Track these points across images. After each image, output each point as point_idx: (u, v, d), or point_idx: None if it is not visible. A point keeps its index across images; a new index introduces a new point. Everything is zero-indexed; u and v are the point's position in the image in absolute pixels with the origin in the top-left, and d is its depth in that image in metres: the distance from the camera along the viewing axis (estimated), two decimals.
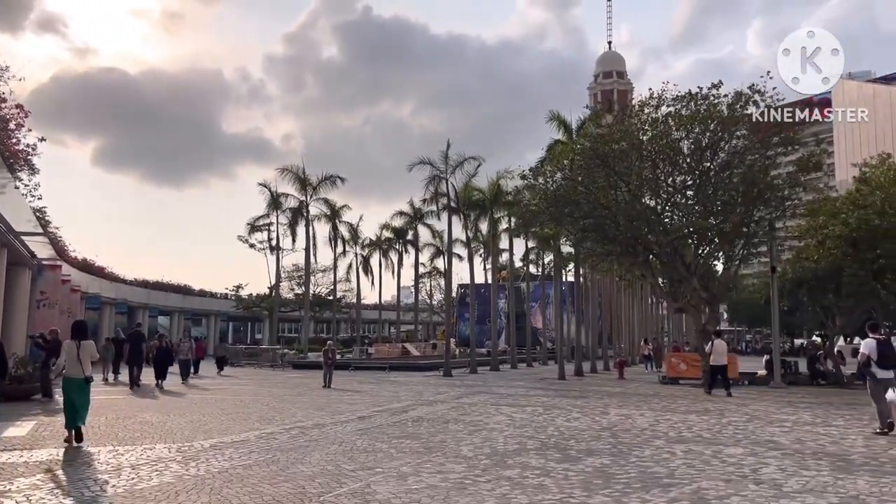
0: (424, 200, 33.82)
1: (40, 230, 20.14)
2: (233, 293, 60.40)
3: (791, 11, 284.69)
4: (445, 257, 36.74)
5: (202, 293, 67.72)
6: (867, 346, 12.05)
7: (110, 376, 24.75)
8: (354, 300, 61.34)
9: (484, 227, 39.55)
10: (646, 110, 24.00)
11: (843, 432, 11.82)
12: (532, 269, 58.14)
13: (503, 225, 38.92)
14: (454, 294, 69.55)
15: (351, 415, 14.14)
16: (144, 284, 55.73)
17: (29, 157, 16.60)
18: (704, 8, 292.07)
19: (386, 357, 43.94)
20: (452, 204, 32.98)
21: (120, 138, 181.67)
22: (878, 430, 11.54)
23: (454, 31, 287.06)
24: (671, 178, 24.03)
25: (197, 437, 10.73)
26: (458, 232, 36.27)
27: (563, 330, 51.91)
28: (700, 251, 23.93)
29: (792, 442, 10.61)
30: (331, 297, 53.82)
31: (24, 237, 19.11)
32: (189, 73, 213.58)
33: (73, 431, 9.96)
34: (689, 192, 24.06)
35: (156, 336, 27.84)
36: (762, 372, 26.70)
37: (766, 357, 29.00)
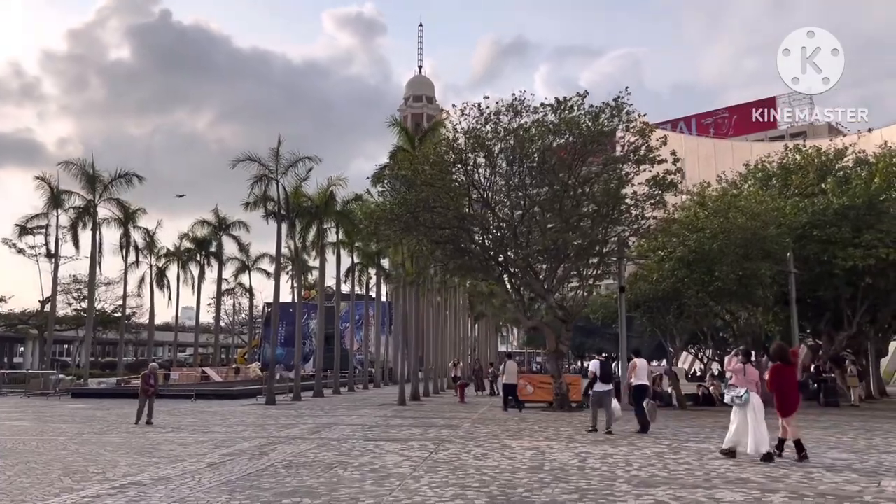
0: (247, 204, 29.81)
1: None
2: None
3: (572, 62, 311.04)
4: (274, 267, 32.73)
5: None
6: (594, 365, 15.80)
7: None
8: (142, 318, 54.48)
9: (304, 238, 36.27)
10: (503, 118, 22.78)
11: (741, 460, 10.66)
12: (345, 287, 55.38)
13: (330, 237, 35.89)
14: (258, 313, 64.72)
15: (195, 461, 10.65)
16: None
17: None
18: (500, 52, 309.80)
19: (186, 384, 38.63)
20: (279, 209, 29.40)
21: None
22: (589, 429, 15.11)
23: (259, 46, 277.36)
24: (527, 191, 22.91)
25: None
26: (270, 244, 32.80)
27: (384, 352, 49.85)
28: (558, 268, 22.98)
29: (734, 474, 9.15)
30: (117, 314, 46.74)
31: None
32: None
33: None
34: (545, 207, 23.07)
35: None
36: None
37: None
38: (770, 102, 78.55)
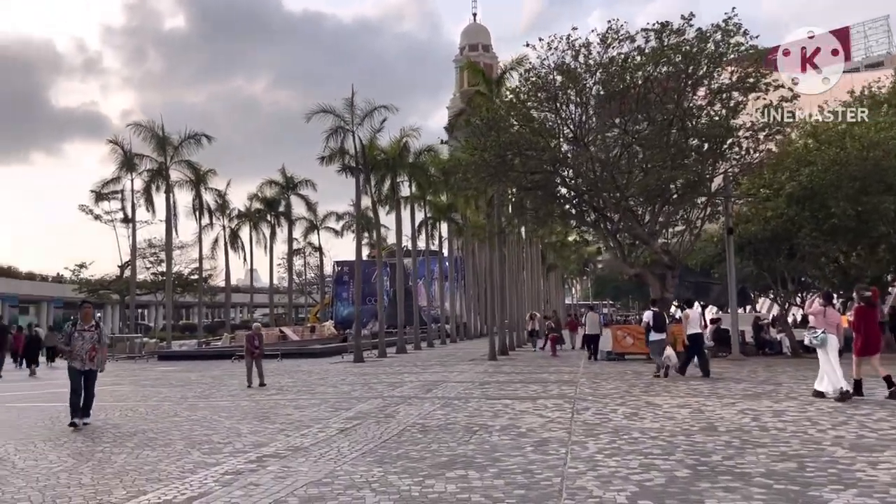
0: (322, 158, 28.85)
1: None
2: (74, 274, 51.66)
3: (624, 4, 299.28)
4: (356, 222, 31.87)
5: (31, 276, 58.11)
6: (647, 316, 16.98)
7: None
8: (216, 280, 54.82)
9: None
10: (593, 52, 21.03)
11: None
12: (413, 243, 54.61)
13: (403, 191, 34.82)
14: (330, 272, 64.64)
15: (322, 427, 9.72)
16: None
17: None
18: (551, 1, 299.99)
19: (268, 343, 38.52)
20: (354, 162, 28.35)
21: None
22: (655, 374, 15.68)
23: (310, 8, 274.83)
24: (626, 127, 21.19)
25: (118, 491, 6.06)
26: (340, 199, 31.93)
27: (458, 307, 49.00)
28: (662, 210, 21.31)
29: None
30: (193, 277, 46.94)
31: None
32: (14, 42, 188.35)
33: None
34: (647, 144, 21.32)
35: (27, 325, 29.89)
36: (710, 343, 24.72)
37: (710, 327, 27.13)
38: (843, 33, 73.39)
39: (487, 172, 21.95)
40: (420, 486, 6.19)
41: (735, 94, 20.38)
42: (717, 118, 20.46)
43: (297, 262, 63.01)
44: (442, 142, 30.02)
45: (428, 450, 7.93)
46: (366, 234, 53.09)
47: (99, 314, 71.44)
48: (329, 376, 18.95)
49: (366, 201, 30.69)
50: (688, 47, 19.72)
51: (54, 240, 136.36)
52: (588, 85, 21.11)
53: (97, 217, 43.65)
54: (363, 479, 6.57)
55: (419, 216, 40.57)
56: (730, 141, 20.73)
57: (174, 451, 8.02)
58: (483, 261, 52.78)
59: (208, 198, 42.74)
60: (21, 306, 54.08)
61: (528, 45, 22.01)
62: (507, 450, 7.82)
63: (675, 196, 21.26)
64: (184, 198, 42.24)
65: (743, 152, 20.95)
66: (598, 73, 21.07)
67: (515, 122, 21.82)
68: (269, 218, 48.62)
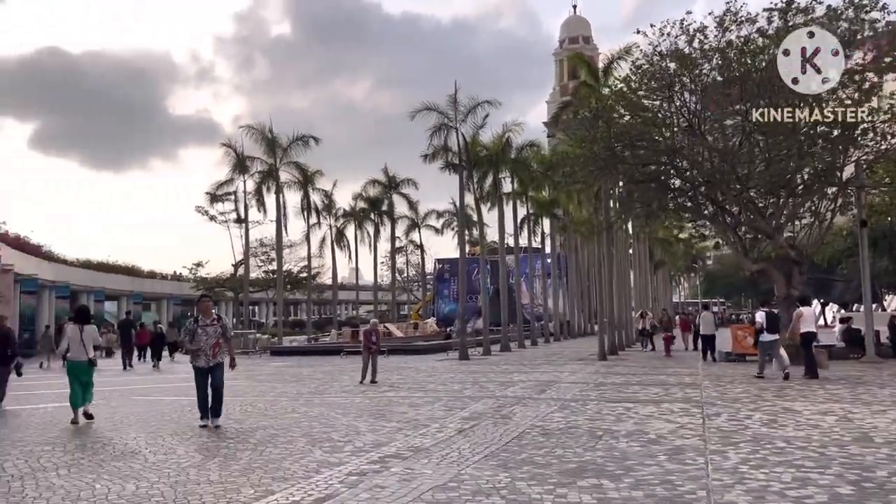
0: (426, 156, 28.92)
1: None
2: (191, 273, 54.34)
3: None
4: (458, 219, 31.80)
5: (152, 275, 61.56)
6: (760, 316, 16.34)
7: (51, 363, 24.89)
8: (323, 278, 56.22)
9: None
10: (709, 36, 19.91)
11: None
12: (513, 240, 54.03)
13: (505, 187, 34.38)
14: (430, 270, 65.10)
15: (439, 427, 9.50)
16: (88, 266, 49.44)
17: None
18: None
19: None
20: (457, 159, 28.20)
21: (58, 121, 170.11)
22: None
23: (408, 10, 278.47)
24: (748, 114, 19.94)
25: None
26: (439, 197, 31.80)
27: (562, 305, 48.11)
28: (787, 202, 19.95)
29: None
30: (302, 275, 48.30)
31: None
32: (136, 55, 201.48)
33: (82, 411, 10.41)
34: (771, 132, 19.99)
35: (151, 322, 31.82)
36: (839, 344, 23.00)
37: (839, 327, 25.30)
38: None
39: (596, 165, 21.25)
40: (552, 496, 5.82)
41: (870, 74, 18.79)
42: (848, 102, 18.94)
43: (400, 260, 63.82)
44: (548, 135, 29.40)
45: (553, 455, 7.55)
46: (467, 232, 53.38)
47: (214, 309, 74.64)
48: (437, 374, 18.85)
49: (467, 198, 30.55)
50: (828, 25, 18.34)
51: (173, 240, 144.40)
52: (704, 71, 20.06)
53: (212, 218, 45.64)
54: (490, 484, 6.27)
55: (521, 212, 40.08)
56: (863, 126, 19.14)
57: (296, 449, 7.99)
58: (586, 257, 51.68)
59: (315, 198, 43.86)
60: (143, 303, 57.33)
61: (638, 31, 21.13)
62: (639, 457, 7.33)
63: (801, 187, 19.85)
64: (293, 198, 43.51)
65: (878, 138, 19.31)
66: (715, 59, 20.00)
67: (626, 113, 21.02)
68: (372, 217, 49.43)
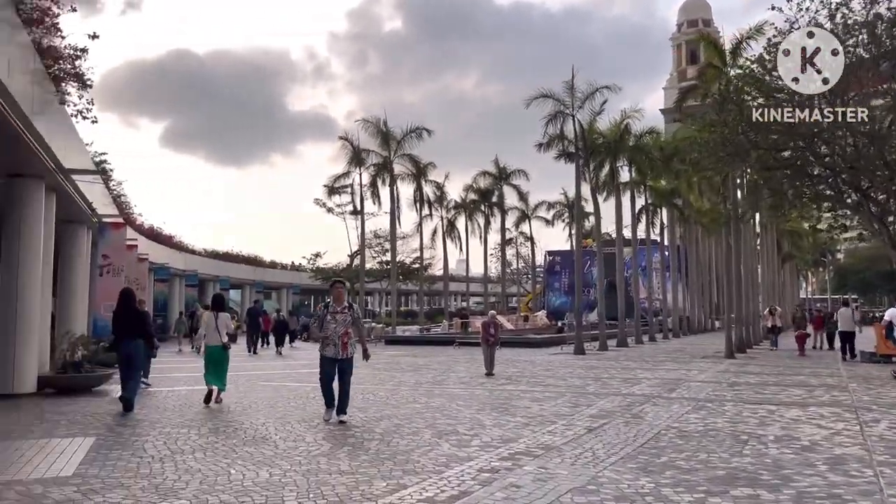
0: (540, 145, 28.32)
1: (94, 167, 15.78)
2: (309, 263, 56.17)
3: None
4: (575, 210, 31.05)
5: (273, 265, 64.05)
6: (890, 314, 16.43)
7: (185, 347, 25.98)
8: (435, 269, 56.63)
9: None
10: (855, 8, 18.26)
11: None
12: (629, 232, 52.28)
13: (623, 175, 33.21)
14: (541, 262, 64.29)
15: (567, 424, 9.09)
16: (215, 255, 51.99)
17: (77, 58, 11.93)
18: None
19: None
20: (573, 147, 27.42)
21: (187, 119, 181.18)
22: None
23: (520, 0, 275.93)
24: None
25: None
26: (550, 188, 30.92)
27: (681, 300, 46.19)
28: None
29: None
30: (415, 266, 48.82)
31: (78, 180, 14.62)
32: (257, 54, 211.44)
33: (214, 397, 11.00)
34: None
35: (274, 311, 33.26)
36: None
37: None
38: None
39: (726, 151, 20.01)
40: None
41: None
42: None
43: (509, 252, 63.36)
44: (674, 120, 28.09)
45: (696, 459, 6.99)
46: (567, 223, 52.24)
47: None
48: (554, 368, 18.36)
49: (583, 188, 29.68)
50: None
51: (292, 232, 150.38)
52: (849, 47, 18.41)
53: (329, 210, 46.84)
54: (632, 489, 5.83)
55: (638, 203, 38.63)
56: None
57: (423, 441, 7.81)
58: (708, 250, 49.33)
59: (428, 190, 44.08)
60: (265, 292, 59.76)
61: (773, 7, 19.67)
62: (794, 466, 6.67)
63: None
64: (406, 190, 43.98)
65: None
66: (860, 34, 18.35)
67: (759, 95, 19.64)
68: (483, 208, 49.22)
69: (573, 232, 58.43)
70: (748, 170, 24.30)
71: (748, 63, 22.25)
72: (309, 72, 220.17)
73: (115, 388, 13.13)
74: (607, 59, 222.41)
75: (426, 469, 6.46)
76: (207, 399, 10.98)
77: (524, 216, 54.43)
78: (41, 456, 7.07)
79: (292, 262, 66.70)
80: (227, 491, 5.68)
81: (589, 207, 36.36)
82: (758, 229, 39.30)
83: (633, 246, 37.02)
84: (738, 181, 26.44)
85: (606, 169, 31.57)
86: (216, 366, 11.21)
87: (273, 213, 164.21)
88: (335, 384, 9.39)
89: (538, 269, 64.06)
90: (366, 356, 9.56)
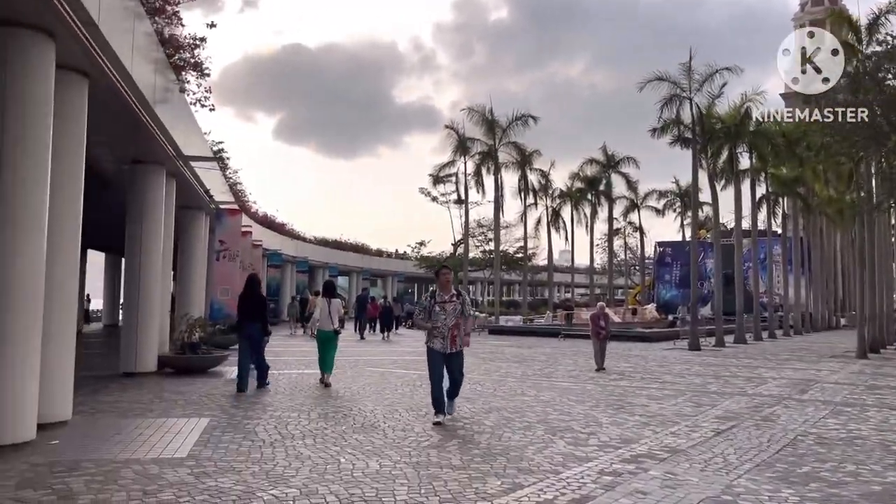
0: (654, 130, 27.13)
1: (212, 155, 16.29)
2: (414, 251, 56.77)
3: None
4: (692, 197, 29.67)
5: (379, 253, 65.21)
6: None
7: (297, 331, 27.77)
8: (539, 259, 55.83)
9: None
10: None
11: None
12: (747, 223, 49.42)
13: (743, 162, 31.38)
14: (650, 253, 62.16)
15: (691, 425, 8.45)
16: (324, 243, 53.40)
17: (195, 47, 12.27)
18: None
19: (585, 323, 37.96)
20: (689, 133, 26.07)
21: (299, 112, 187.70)
22: None
23: None
24: None
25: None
26: (661, 177, 29.47)
27: (802, 295, 43.44)
28: None
29: None
30: (518, 255, 48.29)
31: (196, 167, 15.10)
32: (366, 47, 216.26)
33: (323, 378, 11.61)
34: None
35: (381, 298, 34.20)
36: None
37: None
38: None
39: (862, 135, 18.39)
40: None
41: None
42: None
43: (616, 243, 61.59)
44: (804, 101, 26.17)
45: (843, 471, 6.25)
46: (690, 213, 49.99)
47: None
48: (668, 364, 17.48)
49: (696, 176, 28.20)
50: None
51: (397, 221, 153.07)
52: None
53: (434, 199, 47.11)
54: (774, 502, 5.22)
55: (758, 191, 36.49)
56: None
57: (536, 438, 7.42)
58: (832, 242, 46.14)
59: (532, 178, 43.47)
60: (371, 279, 60.91)
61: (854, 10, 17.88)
62: None
63: None
64: (510, 179, 43.52)
65: None
66: None
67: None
68: (589, 197, 48.05)
69: (685, 222, 56.31)
70: (886, 155, 22.35)
71: (889, 38, 20.45)
72: (415, 63, 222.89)
73: (228, 370, 13.53)
74: (721, 44, 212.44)
75: (542, 468, 6.07)
76: (322, 381, 11.54)
77: (633, 205, 52.79)
78: (158, 435, 7.19)
79: (395, 251, 67.71)
80: (336, 481, 5.51)
81: (704, 196, 34.71)
82: (893, 220, 36.25)
83: (753, 237, 35.06)
84: (874, 168, 24.35)
85: (724, 155, 29.97)
86: (327, 349, 11.57)
87: (379, 202, 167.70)
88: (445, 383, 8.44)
89: (647, 261, 62.00)
90: (465, 342, 8.92)
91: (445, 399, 8.34)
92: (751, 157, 31.43)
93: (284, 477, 5.59)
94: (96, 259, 34.89)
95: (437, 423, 8.06)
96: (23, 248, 6.52)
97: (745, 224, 39.87)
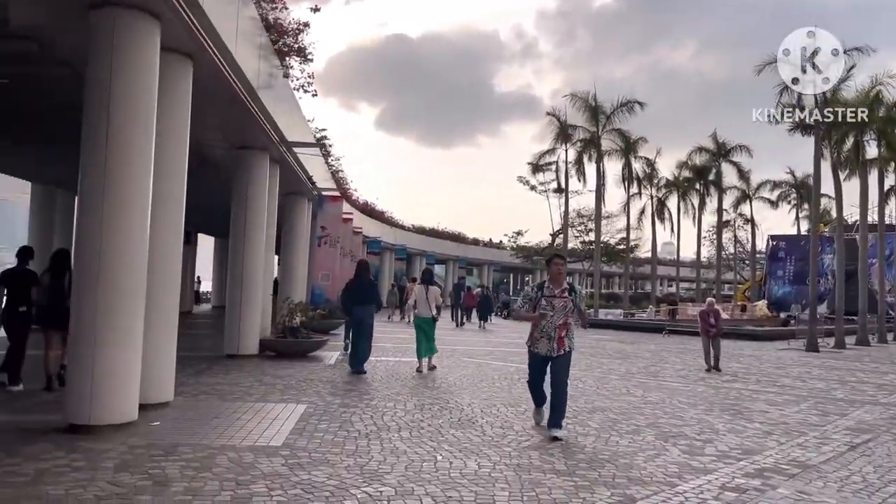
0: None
1: (314, 140, 16.40)
2: (511, 241, 56.23)
3: None
4: (813, 190, 27.80)
5: (475, 242, 65.07)
6: None
7: (396, 317, 27.66)
8: (641, 252, 54.06)
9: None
10: None
11: None
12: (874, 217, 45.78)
13: (870, 151, 28.98)
14: (761, 247, 58.96)
15: (819, 436, 7.64)
16: (422, 231, 53.71)
17: (299, 32, 12.28)
18: None
19: (690, 320, 36.33)
20: (815, 119, 24.25)
21: (401, 102, 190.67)
22: None
23: None
24: None
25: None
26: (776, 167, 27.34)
27: None
28: None
29: None
30: (619, 247, 46.81)
31: (299, 153, 15.21)
32: (467, 36, 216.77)
33: (426, 362, 11.78)
34: None
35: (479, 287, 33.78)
36: None
37: None
38: None
39: None
40: None
41: None
42: None
43: (725, 235, 58.78)
44: None
45: None
46: (807, 206, 46.91)
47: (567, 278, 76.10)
48: (785, 365, 16.29)
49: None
50: None
51: (494, 210, 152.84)
52: None
53: (533, 188, 46.32)
54: None
55: (887, 182, 33.70)
56: None
57: (646, 443, 6.86)
58: None
59: (637, 166, 41.97)
60: (467, 268, 60.83)
61: None
62: None
63: None
64: (613, 167, 42.21)
65: None
66: None
67: None
68: (697, 187, 46.00)
69: (801, 214, 53.02)
70: None
71: None
72: (517, 52, 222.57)
73: (328, 355, 13.59)
74: (842, 26, 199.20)
75: (655, 479, 5.55)
76: (420, 369, 11.66)
77: (744, 196, 50.20)
78: (255, 421, 7.13)
79: (489, 239, 67.43)
80: (433, 480, 5.20)
81: (825, 188, 32.39)
82: None
83: (880, 231, 32.48)
84: None
85: (849, 143, 27.81)
86: (426, 335, 11.72)
87: (476, 191, 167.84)
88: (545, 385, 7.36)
89: (758, 255, 58.87)
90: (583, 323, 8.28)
91: (546, 411, 7.23)
92: (879, 146, 29.00)
93: (379, 473, 5.34)
94: (207, 242, 36.45)
95: (537, 422, 7.48)
96: (126, 230, 6.56)
97: (871, 218, 37.15)
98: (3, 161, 17.31)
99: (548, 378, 7.22)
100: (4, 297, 8.76)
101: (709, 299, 16.41)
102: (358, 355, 11.35)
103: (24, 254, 9.22)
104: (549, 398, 7.20)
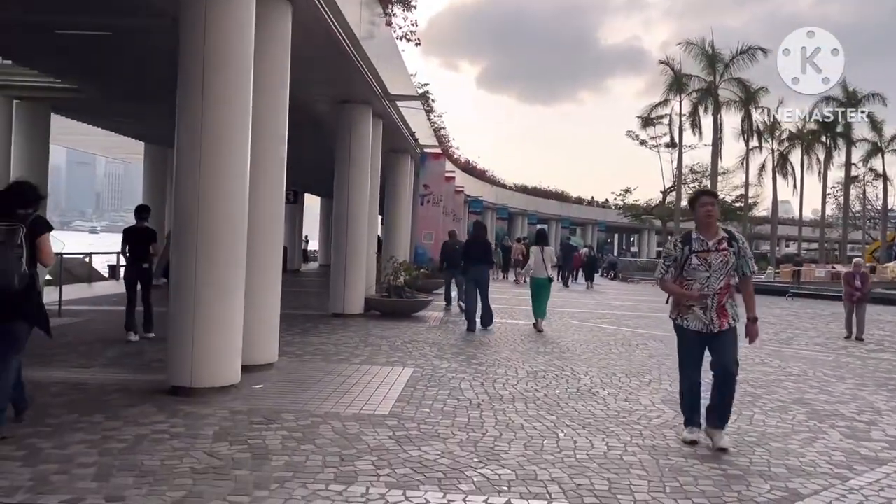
0: None
1: (417, 95, 15.88)
2: (618, 199, 54.25)
3: None
4: None
5: (579, 201, 63.44)
6: None
7: (499, 276, 27.22)
8: (759, 210, 50.92)
9: None
10: None
11: None
12: None
13: None
14: (893, 205, 54.32)
15: None
16: (524, 190, 52.70)
17: None
18: None
19: (821, 283, 33.83)
20: None
21: (502, 60, 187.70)
22: None
23: None
24: None
25: None
26: None
27: None
28: None
29: None
30: (737, 205, 44.17)
31: (402, 107, 14.71)
32: None
33: (540, 322, 11.73)
34: None
35: (586, 247, 32.92)
36: None
37: None
38: None
39: None
40: None
41: None
42: None
43: (853, 192, 54.42)
44: None
45: None
46: None
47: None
48: None
49: None
50: None
51: (598, 168, 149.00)
52: None
53: (643, 143, 44.24)
54: None
55: None
56: None
57: (798, 424, 5.97)
58: None
59: (757, 118, 39.21)
60: (570, 228, 59.39)
61: None
62: None
63: None
64: (730, 120, 39.60)
65: None
66: None
67: None
68: (823, 140, 42.65)
69: None
70: None
71: None
72: (623, 2, 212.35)
73: (433, 315, 13.25)
74: None
75: (819, 469, 4.71)
76: (537, 327, 11.67)
77: (876, 149, 46.26)
78: (360, 385, 6.74)
79: (592, 198, 65.50)
80: (557, 463, 4.59)
81: None
82: None
83: None
84: None
85: None
86: (540, 296, 11.74)
87: (579, 148, 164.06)
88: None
89: (890, 213, 54.30)
90: (750, 335, 5.34)
91: (703, 411, 5.25)
92: None
93: (496, 452, 4.78)
94: (314, 202, 37.01)
95: (689, 442, 5.13)
96: (226, 186, 6.21)
97: None
98: (115, 122, 17.70)
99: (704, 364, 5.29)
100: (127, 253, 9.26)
101: (856, 260, 14.82)
102: (482, 313, 11.53)
103: (141, 211, 9.33)
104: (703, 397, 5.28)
